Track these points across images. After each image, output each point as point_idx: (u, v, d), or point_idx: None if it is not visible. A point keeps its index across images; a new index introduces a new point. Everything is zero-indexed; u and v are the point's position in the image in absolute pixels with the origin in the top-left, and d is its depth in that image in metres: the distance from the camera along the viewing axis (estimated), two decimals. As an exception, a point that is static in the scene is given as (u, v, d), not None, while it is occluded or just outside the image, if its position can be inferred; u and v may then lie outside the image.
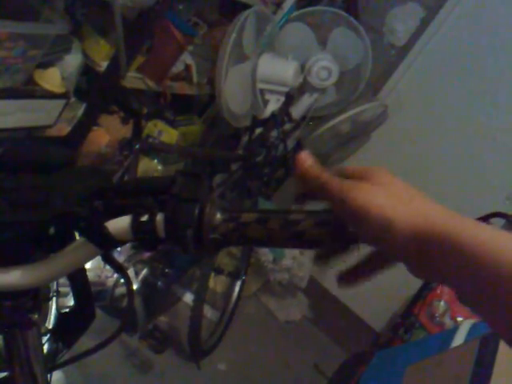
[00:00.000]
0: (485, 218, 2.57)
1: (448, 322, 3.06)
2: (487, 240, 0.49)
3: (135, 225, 0.64)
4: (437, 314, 3.08)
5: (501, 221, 2.98)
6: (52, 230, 0.69)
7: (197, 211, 0.61)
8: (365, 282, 0.64)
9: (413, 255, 0.54)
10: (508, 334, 0.49)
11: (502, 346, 1.76)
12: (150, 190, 0.65)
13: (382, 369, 2.54)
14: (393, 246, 0.55)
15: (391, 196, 0.57)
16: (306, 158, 0.61)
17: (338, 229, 0.60)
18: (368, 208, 0.55)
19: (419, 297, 3.11)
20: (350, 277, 0.64)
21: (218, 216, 0.62)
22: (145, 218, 0.63)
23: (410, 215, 0.55)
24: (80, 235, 0.67)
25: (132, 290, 0.79)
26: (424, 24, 3.40)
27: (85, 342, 0.87)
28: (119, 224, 0.64)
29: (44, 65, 2.08)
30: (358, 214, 0.56)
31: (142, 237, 0.64)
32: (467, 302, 0.52)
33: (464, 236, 0.50)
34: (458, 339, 2.18)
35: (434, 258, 0.52)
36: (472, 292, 0.50)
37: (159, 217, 0.63)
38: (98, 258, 0.71)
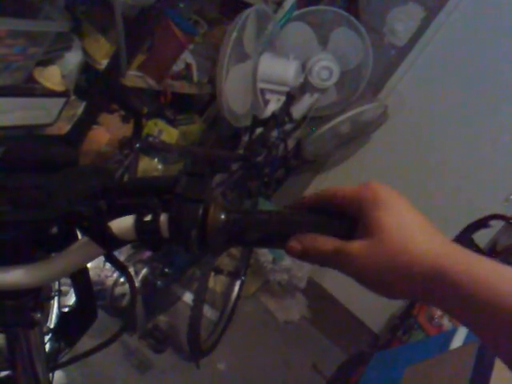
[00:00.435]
0: (484, 220, 2.58)
1: (446, 323, 3.06)
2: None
3: (139, 225, 0.63)
4: (435, 316, 3.08)
5: (500, 223, 2.99)
6: (55, 230, 0.68)
7: (201, 212, 0.61)
8: None
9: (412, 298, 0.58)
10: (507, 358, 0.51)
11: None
12: (154, 190, 0.65)
13: (381, 370, 2.54)
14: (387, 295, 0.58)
15: (384, 248, 0.56)
16: (296, 245, 0.61)
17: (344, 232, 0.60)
18: (362, 278, 0.58)
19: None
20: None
21: (223, 217, 0.62)
22: (148, 217, 0.63)
23: (403, 274, 0.55)
24: (83, 235, 0.67)
25: (135, 289, 0.79)
26: (425, 24, 3.40)
27: (85, 342, 0.87)
28: (123, 224, 0.64)
29: (44, 63, 2.07)
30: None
31: (145, 237, 0.64)
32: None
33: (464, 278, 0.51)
34: (457, 341, 2.18)
35: (435, 300, 0.54)
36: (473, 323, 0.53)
37: (163, 217, 0.62)
38: (98, 258, 0.70)
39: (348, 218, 0.60)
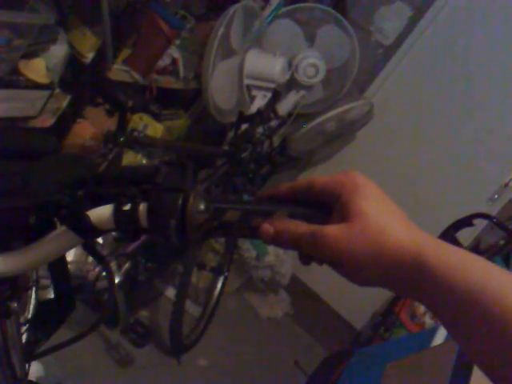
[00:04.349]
0: (467, 219, 2.58)
1: (428, 321, 3.08)
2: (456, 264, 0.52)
3: (117, 214, 0.63)
4: (417, 314, 3.10)
5: (483, 221, 3.01)
6: (33, 219, 0.68)
7: (180, 201, 0.60)
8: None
9: (389, 285, 0.57)
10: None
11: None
12: (134, 179, 0.64)
13: (362, 366, 2.55)
14: (364, 281, 0.58)
15: (361, 228, 0.57)
16: (268, 228, 0.62)
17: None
18: (340, 255, 0.57)
19: (400, 296, 3.13)
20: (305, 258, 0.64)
21: (202, 207, 0.62)
22: (127, 207, 0.62)
23: (382, 252, 0.55)
24: (61, 224, 0.66)
25: (113, 279, 0.79)
26: (412, 23, 3.41)
27: (64, 334, 0.86)
28: (101, 213, 0.63)
29: (29, 55, 2.06)
30: (334, 261, 0.58)
31: (123, 226, 0.63)
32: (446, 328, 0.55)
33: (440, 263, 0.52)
34: (438, 339, 2.19)
35: (414, 287, 0.54)
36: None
37: (142, 206, 0.62)
38: (80, 251, 0.70)
39: (324, 205, 0.61)
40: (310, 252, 0.60)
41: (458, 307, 0.50)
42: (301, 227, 0.60)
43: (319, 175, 0.62)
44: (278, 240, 0.61)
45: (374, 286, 0.58)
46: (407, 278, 0.53)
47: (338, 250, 0.56)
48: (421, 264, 0.52)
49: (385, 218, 0.57)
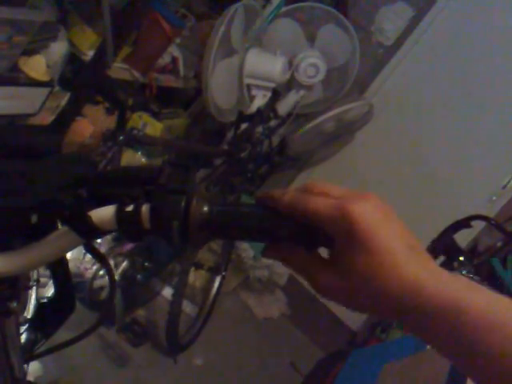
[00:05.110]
0: (465, 220, 2.58)
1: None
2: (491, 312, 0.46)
3: (120, 215, 0.62)
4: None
5: (481, 223, 3.01)
6: (34, 219, 0.67)
7: (183, 203, 0.60)
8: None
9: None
10: None
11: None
12: (137, 180, 0.64)
13: (358, 367, 2.55)
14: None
15: (397, 237, 0.51)
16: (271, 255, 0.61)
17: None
18: (372, 237, 0.50)
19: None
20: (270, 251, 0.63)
21: (205, 209, 0.61)
22: (130, 208, 0.62)
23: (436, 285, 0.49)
24: (63, 224, 0.66)
25: (114, 279, 0.78)
26: (413, 24, 3.41)
27: (61, 334, 0.86)
28: (103, 213, 0.63)
29: (29, 52, 2.05)
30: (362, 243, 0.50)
31: (126, 227, 0.63)
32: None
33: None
34: (436, 341, 2.19)
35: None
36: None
37: (145, 207, 0.61)
38: (78, 250, 0.69)
39: (325, 234, 0.56)
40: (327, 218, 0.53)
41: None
42: (297, 261, 0.58)
43: (314, 198, 0.55)
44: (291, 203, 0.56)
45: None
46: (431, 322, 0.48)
47: (336, 298, 0.54)
48: (461, 315, 0.46)
49: (388, 268, 0.50)
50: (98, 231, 0.64)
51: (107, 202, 0.63)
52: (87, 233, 0.64)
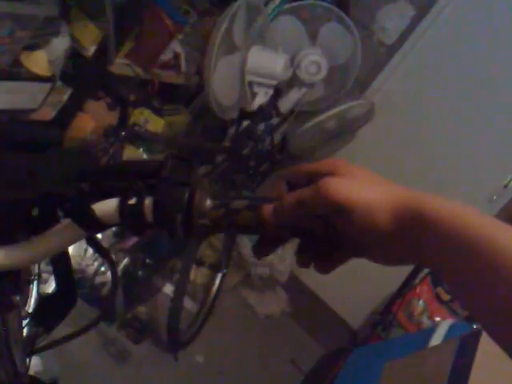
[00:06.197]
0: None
1: (426, 321, 3.07)
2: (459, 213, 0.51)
3: (123, 208, 0.62)
4: (415, 313, 3.09)
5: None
6: (36, 211, 0.67)
7: (186, 196, 0.60)
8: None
9: (397, 238, 0.55)
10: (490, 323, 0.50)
11: (481, 347, 1.77)
12: (139, 173, 0.64)
13: (359, 365, 2.55)
14: (376, 231, 0.55)
15: (362, 183, 0.59)
16: (268, 209, 0.60)
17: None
18: (347, 198, 0.56)
19: (398, 295, 3.13)
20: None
21: (208, 202, 0.61)
22: (133, 201, 0.62)
23: (387, 197, 0.56)
24: (65, 217, 0.66)
25: (116, 273, 0.78)
26: (414, 23, 3.40)
27: (62, 330, 0.86)
28: (106, 206, 0.63)
29: (31, 47, 2.05)
30: (343, 208, 0.56)
31: (129, 220, 0.62)
32: (454, 288, 0.53)
33: (436, 208, 0.52)
34: (436, 339, 2.19)
35: (416, 235, 0.53)
36: (458, 270, 0.51)
37: (148, 200, 0.61)
38: (79, 246, 0.69)
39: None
40: (315, 210, 0.58)
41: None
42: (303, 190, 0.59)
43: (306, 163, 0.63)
44: (280, 211, 0.59)
45: (384, 245, 0.56)
46: (410, 225, 0.53)
47: (344, 195, 0.55)
48: (420, 210, 0.53)
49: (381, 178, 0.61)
50: (101, 224, 0.64)
51: (110, 196, 0.63)
52: (90, 226, 0.64)
